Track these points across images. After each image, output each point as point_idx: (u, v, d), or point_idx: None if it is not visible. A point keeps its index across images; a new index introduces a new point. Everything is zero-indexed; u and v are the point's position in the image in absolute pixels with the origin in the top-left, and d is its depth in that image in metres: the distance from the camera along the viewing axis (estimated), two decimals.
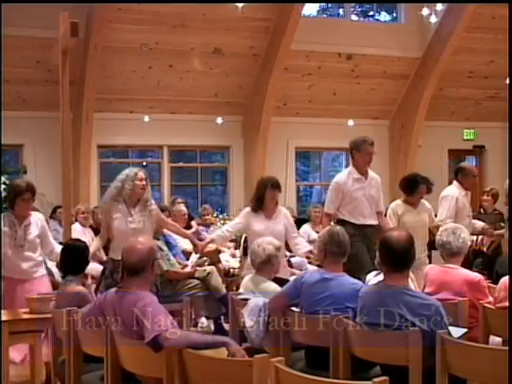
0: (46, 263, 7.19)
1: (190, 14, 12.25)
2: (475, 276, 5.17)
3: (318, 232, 9.85)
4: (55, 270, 7.15)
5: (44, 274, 6.73)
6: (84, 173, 12.50)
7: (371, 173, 7.45)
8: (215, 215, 12.24)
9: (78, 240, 5.86)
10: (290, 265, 7.80)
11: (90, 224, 10.15)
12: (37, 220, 6.66)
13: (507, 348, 3.72)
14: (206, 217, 10.59)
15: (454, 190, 8.12)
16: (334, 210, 7.25)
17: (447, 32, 13.59)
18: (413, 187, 7.76)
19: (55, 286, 6.46)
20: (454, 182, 8.26)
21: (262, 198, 6.99)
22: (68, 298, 4.96)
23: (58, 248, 6.54)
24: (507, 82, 14.56)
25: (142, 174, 6.70)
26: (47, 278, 6.77)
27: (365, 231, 7.12)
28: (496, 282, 5.24)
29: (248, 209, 7.19)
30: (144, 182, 6.70)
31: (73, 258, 5.39)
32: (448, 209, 7.95)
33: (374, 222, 7.31)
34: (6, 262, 6.45)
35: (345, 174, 7.37)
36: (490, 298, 5.00)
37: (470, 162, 16.58)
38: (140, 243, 4.04)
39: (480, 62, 14.30)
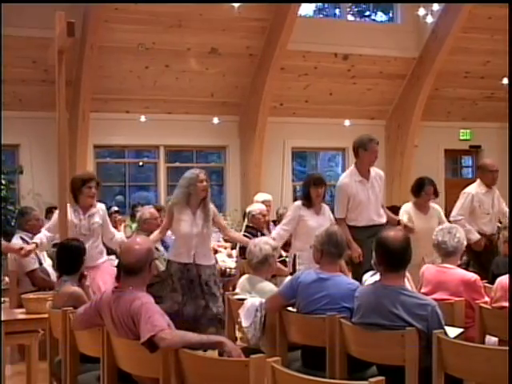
0: (41, 263, 7.18)
1: (186, 14, 12.26)
2: (471, 276, 5.17)
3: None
4: (51, 271, 7.14)
5: (106, 260, 6.85)
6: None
7: (374, 170, 7.43)
8: None
9: (74, 239, 5.85)
10: (286, 265, 7.78)
11: None
12: (99, 209, 6.88)
13: (504, 348, 3.73)
14: None
15: (472, 188, 8.07)
16: (345, 214, 7.23)
17: (443, 32, 13.61)
18: (419, 187, 7.76)
19: (51, 286, 6.45)
20: (477, 180, 8.21)
21: (309, 196, 7.17)
22: (63, 298, 4.96)
23: (118, 235, 7.13)
24: (503, 82, 14.60)
25: (202, 175, 6.76)
26: (109, 264, 6.89)
27: (375, 231, 7.10)
28: (492, 282, 5.25)
29: (298, 202, 7.33)
30: (205, 184, 6.76)
31: (68, 257, 5.38)
32: (461, 206, 7.94)
33: (382, 220, 7.33)
34: None
35: (347, 177, 7.33)
36: (486, 298, 5.00)
37: (466, 163, 16.63)
38: (138, 244, 4.03)
39: (476, 63, 14.32)
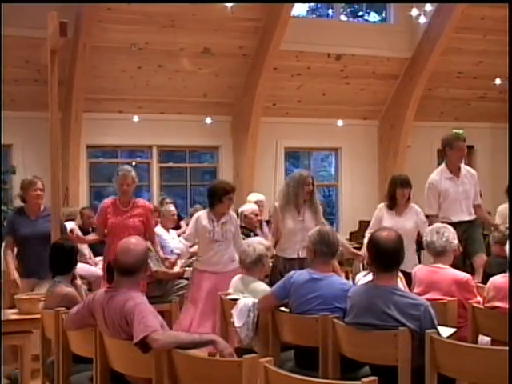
0: None
1: (179, 14, 12.24)
2: (464, 276, 5.18)
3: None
4: None
5: (236, 268, 6.77)
6: (73, 173, 12.47)
7: (465, 168, 7.54)
8: None
9: (67, 240, 5.84)
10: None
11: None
12: (232, 218, 7.14)
13: (497, 347, 3.74)
14: None
15: None
16: (435, 211, 7.34)
17: (436, 32, 13.62)
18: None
19: None
20: None
21: (394, 197, 7.23)
22: (56, 300, 4.95)
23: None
24: (496, 82, 14.62)
25: (309, 179, 7.01)
26: (237, 273, 6.95)
27: (462, 228, 7.14)
28: (485, 281, 5.26)
29: (382, 204, 7.41)
30: (311, 187, 7.00)
31: (60, 257, 5.37)
32: None
33: (470, 217, 7.41)
34: (201, 255, 7.05)
35: (438, 174, 7.47)
36: (479, 298, 5.02)
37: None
38: (133, 244, 4.02)
39: (469, 63, 14.34)
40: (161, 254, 7.37)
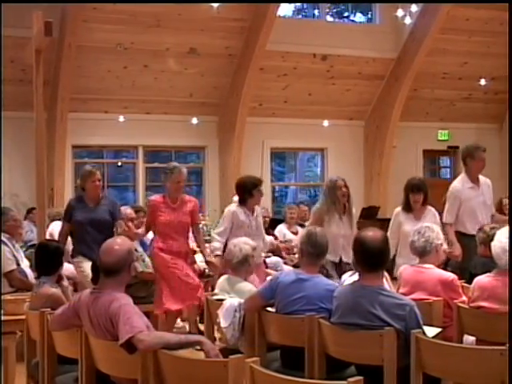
0: (19, 264, 7.12)
1: (165, 14, 12.23)
2: (449, 276, 5.19)
3: (293, 232, 9.89)
4: (29, 272, 7.08)
5: (261, 262, 7.13)
6: (58, 173, 12.44)
7: (482, 178, 7.56)
8: None
9: (52, 240, 5.82)
10: (266, 265, 7.82)
11: None
12: (259, 211, 7.42)
13: (481, 347, 3.75)
14: None
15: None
16: (453, 219, 7.36)
17: (422, 33, 13.68)
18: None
19: (29, 287, 6.40)
20: None
21: (408, 201, 7.27)
22: (41, 300, 4.92)
23: (267, 238, 7.87)
24: (481, 83, 14.70)
25: (340, 181, 7.23)
26: (263, 265, 7.20)
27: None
28: (470, 281, 5.28)
29: (399, 209, 7.42)
30: (344, 190, 7.20)
31: (46, 258, 5.35)
32: None
33: None
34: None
35: (459, 183, 7.48)
36: (464, 298, 5.03)
37: (444, 163, 16.73)
38: (118, 244, 4.01)
39: (454, 64, 14.41)
40: (207, 251, 7.44)
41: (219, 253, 7.15)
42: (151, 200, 7.46)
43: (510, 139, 7.71)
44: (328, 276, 6.79)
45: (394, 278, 6.46)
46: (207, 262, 7.35)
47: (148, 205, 7.53)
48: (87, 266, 6.81)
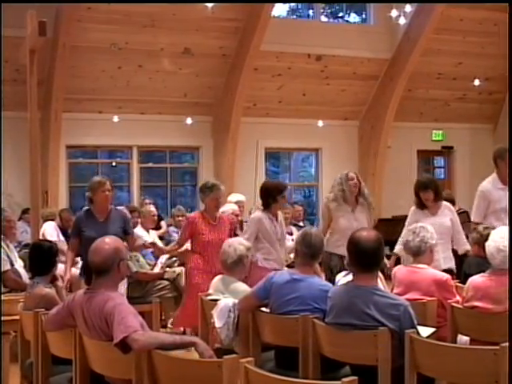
0: (13, 264, 7.12)
1: (159, 13, 12.22)
2: (442, 275, 5.21)
3: (288, 233, 9.90)
4: (22, 272, 7.08)
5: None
6: (52, 173, 12.41)
7: None
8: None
9: (46, 240, 5.81)
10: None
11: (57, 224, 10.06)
12: (281, 217, 7.37)
13: (475, 347, 3.76)
14: (180, 218, 10.57)
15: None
16: (480, 219, 7.31)
17: (416, 33, 13.69)
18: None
19: (23, 287, 6.40)
20: None
21: (420, 200, 7.31)
22: (35, 301, 4.92)
23: (289, 243, 7.90)
24: (475, 83, 14.72)
25: (352, 174, 7.31)
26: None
27: None
28: (464, 281, 5.29)
29: (413, 207, 7.44)
30: (355, 181, 7.27)
31: (39, 258, 5.34)
32: None
33: None
34: (265, 252, 7.08)
35: (490, 183, 7.45)
36: (458, 298, 5.04)
37: (438, 163, 16.76)
38: (106, 243, 4.01)
39: (448, 64, 14.43)
40: None
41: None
42: (190, 217, 7.41)
43: (510, 139, 7.71)
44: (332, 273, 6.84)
45: None
46: None
47: (187, 221, 7.40)
48: None
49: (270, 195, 7.13)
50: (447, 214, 7.28)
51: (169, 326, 7.90)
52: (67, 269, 6.87)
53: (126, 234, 6.84)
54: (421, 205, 7.32)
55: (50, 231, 9.60)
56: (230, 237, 7.11)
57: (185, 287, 7.47)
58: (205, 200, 7.32)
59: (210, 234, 7.16)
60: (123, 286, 6.89)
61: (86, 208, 7.16)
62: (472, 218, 7.49)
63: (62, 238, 9.26)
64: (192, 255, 7.24)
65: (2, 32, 10.83)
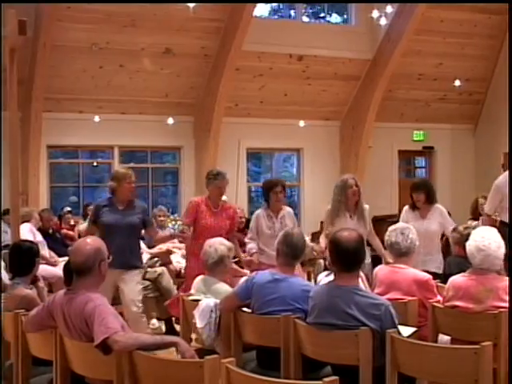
0: None
1: (140, 13, 12.18)
2: (423, 275, 5.22)
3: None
4: (2, 272, 7.03)
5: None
6: (33, 173, 12.33)
7: None
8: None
9: (26, 241, 5.77)
10: (241, 266, 7.82)
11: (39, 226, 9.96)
12: (287, 213, 7.47)
13: (456, 346, 3.77)
14: (162, 218, 10.54)
15: None
16: (493, 211, 7.52)
17: (397, 34, 13.74)
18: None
19: (2, 288, 6.35)
20: None
21: (413, 200, 7.41)
22: (15, 301, 4.88)
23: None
24: (455, 84, 14.79)
25: (351, 180, 7.27)
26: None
27: None
28: (445, 281, 5.31)
29: (407, 207, 7.56)
30: (354, 188, 7.21)
31: (20, 259, 5.30)
32: None
33: None
34: (264, 249, 7.26)
35: (504, 177, 7.57)
36: (439, 297, 5.06)
37: (419, 163, 16.84)
38: (87, 244, 3.99)
39: (429, 65, 14.50)
40: (242, 255, 7.54)
41: (255, 250, 7.32)
42: (194, 200, 7.43)
43: (509, 140, 7.78)
44: None
45: None
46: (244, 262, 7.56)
47: (190, 204, 7.40)
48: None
49: (264, 193, 7.44)
50: (436, 218, 7.36)
51: (150, 326, 7.88)
52: None
53: (145, 225, 6.96)
54: (413, 206, 7.44)
55: (25, 233, 9.47)
56: (230, 226, 7.33)
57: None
58: (209, 187, 7.39)
59: (210, 220, 7.20)
60: None
61: (107, 197, 7.13)
62: (485, 210, 7.71)
63: (39, 238, 9.16)
64: (190, 240, 7.27)
65: (2, 32, 10.73)
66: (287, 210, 7.54)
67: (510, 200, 7.40)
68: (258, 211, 7.48)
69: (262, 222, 7.34)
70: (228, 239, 7.19)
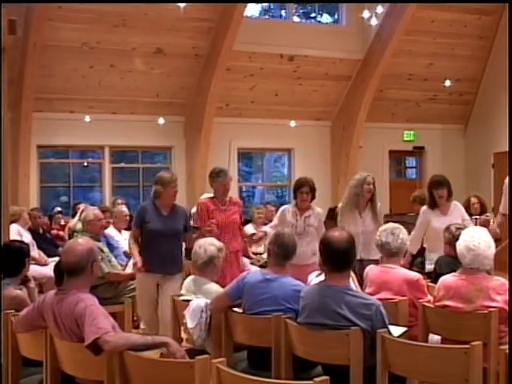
0: None
1: (131, 13, 12.16)
2: (414, 275, 5.24)
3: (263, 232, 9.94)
4: None
5: (315, 262, 6.88)
6: (23, 173, 12.29)
7: None
8: None
9: (16, 241, 5.75)
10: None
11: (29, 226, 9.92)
12: (316, 213, 7.53)
13: (446, 346, 3.78)
14: None
15: None
16: (506, 210, 7.54)
17: (387, 34, 13.75)
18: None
19: None
20: None
21: (433, 198, 7.46)
22: (5, 302, 4.87)
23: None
24: (446, 84, 14.83)
25: (370, 178, 7.42)
26: (316, 267, 6.94)
27: None
28: (435, 281, 5.32)
29: (425, 207, 7.59)
30: (371, 186, 7.38)
31: (10, 259, 5.29)
32: None
33: None
34: None
35: None
36: (429, 297, 5.08)
37: (410, 163, 16.86)
38: (79, 244, 3.99)
39: (419, 65, 14.51)
40: (249, 249, 7.79)
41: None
42: (201, 202, 7.45)
43: (510, 139, 7.82)
44: None
45: (427, 273, 6.66)
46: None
47: (199, 206, 7.40)
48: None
49: (293, 191, 7.61)
50: (458, 214, 7.44)
51: (141, 326, 7.86)
52: (136, 256, 6.84)
53: (185, 230, 7.00)
54: (432, 204, 7.46)
55: (12, 235, 9.40)
56: (241, 218, 7.45)
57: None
58: (213, 185, 7.43)
59: (220, 217, 7.21)
60: None
61: (151, 201, 7.10)
62: (500, 210, 7.75)
63: (27, 240, 9.10)
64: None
65: (3, 32, 10.69)
66: (317, 210, 7.60)
67: (510, 200, 7.44)
68: (287, 206, 7.66)
69: (288, 217, 7.43)
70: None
